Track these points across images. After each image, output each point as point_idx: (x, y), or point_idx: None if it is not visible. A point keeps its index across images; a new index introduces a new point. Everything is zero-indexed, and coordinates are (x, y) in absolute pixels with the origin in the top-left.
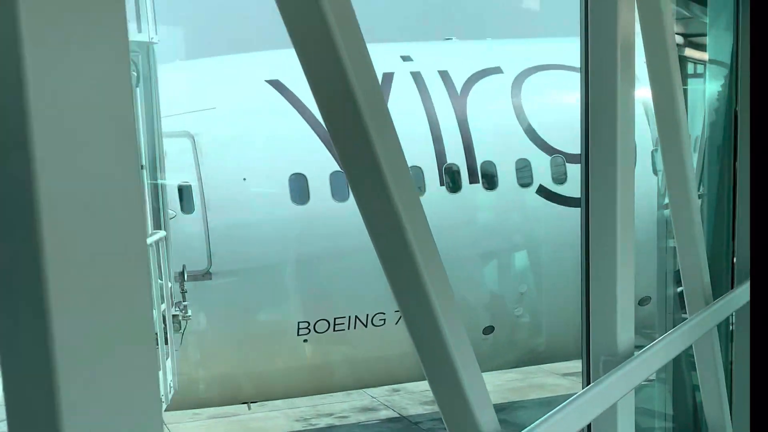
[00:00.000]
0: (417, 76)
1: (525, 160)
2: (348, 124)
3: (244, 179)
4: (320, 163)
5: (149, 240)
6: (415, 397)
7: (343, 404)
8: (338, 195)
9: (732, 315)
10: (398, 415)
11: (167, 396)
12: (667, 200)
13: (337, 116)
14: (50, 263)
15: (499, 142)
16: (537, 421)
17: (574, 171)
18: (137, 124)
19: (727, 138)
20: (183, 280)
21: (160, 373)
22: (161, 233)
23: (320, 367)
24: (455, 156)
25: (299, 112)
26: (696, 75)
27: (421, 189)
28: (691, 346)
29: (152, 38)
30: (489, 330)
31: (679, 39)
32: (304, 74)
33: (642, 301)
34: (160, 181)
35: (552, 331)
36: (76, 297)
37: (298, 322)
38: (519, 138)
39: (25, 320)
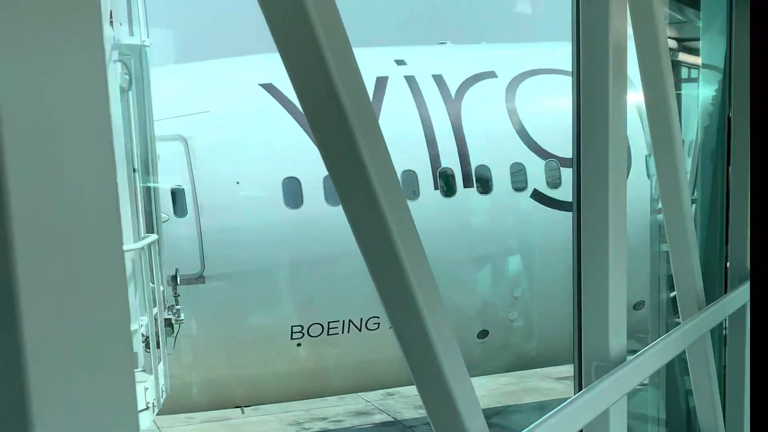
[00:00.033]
0: (411, 80)
1: (519, 164)
2: (333, 128)
3: (238, 183)
4: (314, 166)
5: (141, 244)
6: (410, 401)
7: (337, 408)
8: (332, 199)
9: (725, 320)
10: (392, 419)
11: (159, 400)
12: (660, 205)
13: (323, 120)
14: (21, 270)
15: (493, 146)
16: (527, 428)
17: (568, 175)
18: (130, 127)
19: (720, 142)
20: (176, 283)
21: (151, 377)
22: (153, 237)
23: (314, 372)
24: (450, 160)
25: (293, 116)
26: (690, 79)
27: (416, 193)
28: (684, 351)
29: (144, 41)
30: (483, 334)
31: (673, 43)
32: (289, 78)
33: (636, 306)
34: (152, 185)
35: (546, 336)
36: (48, 306)
37: (292, 326)
38: (513, 142)
39: None
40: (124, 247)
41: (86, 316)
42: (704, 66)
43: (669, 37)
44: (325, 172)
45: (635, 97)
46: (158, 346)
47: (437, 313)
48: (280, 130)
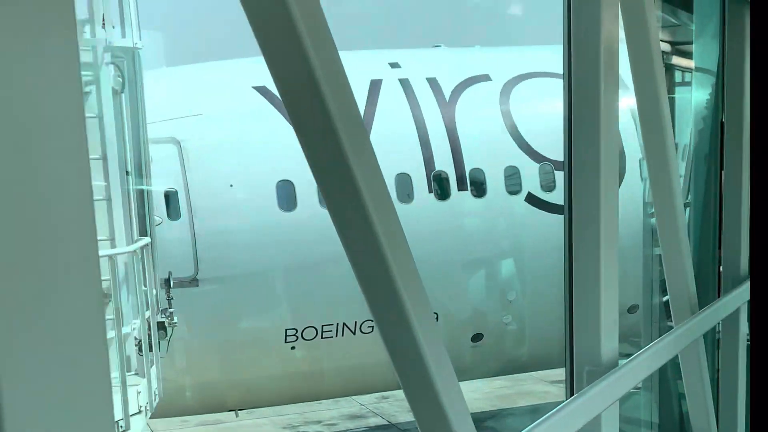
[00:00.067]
0: (405, 83)
1: (514, 167)
2: (318, 132)
3: (231, 186)
4: (307, 170)
5: (133, 247)
6: (404, 404)
7: (332, 411)
8: None
9: (718, 323)
10: (387, 423)
11: (152, 403)
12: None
13: (308, 123)
14: None
15: (487, 149)
16: None
17: (562, 178)
18: (123, 129)
19: (713, 146)
20: (169, 286)
21: (144, 380)
22: (146, 240)
23: (308, 375)
24: (444, 163)
25: (286, 119)
26: (684, 83)
27: (410, 196)
28: (677, 355)
29: (136, 43)
30: (478, 337)
31: (667, 47)
32: (273, 82)
33: (631, 309)
34: (145, 188)
35: (541, 339)
36: (17, 313)
37: (286, 330)
38: (507, 145)
39: None
40: (116, 251)
41: (57, 324)
42: (698, 69)
43: (662, 41)
44: None
45: (630, 101)
46: (150, 350)
47: (425, 317)
48: (274, 133)
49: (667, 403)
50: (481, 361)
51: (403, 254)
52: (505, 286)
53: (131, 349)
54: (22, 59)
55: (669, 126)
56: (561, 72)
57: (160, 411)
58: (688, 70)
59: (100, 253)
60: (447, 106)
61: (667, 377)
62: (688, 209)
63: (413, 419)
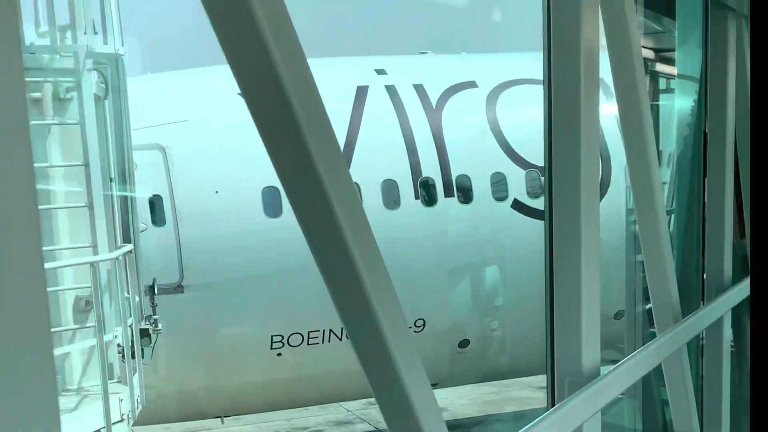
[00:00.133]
0: (392, 90)
1: (500, 173)
2: (286, 138)
3: (217, 192)
4: None
5: (116, 253)
6: None
7: (319, 418)
8: None
9: (702, 331)
10: (374, 429)
11: (134, 411)
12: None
13: (273, 128)
14: None
15: (474, 155)
16: None
17: None
18: (106, 135)
19: (697, 153)
20: (153, 293)
21: (127, 388)
22: (129, 246)
23: (295, 381)
24: (430, 170)
25: None
26: (668, 90)
27: (396, 203)
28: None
29: (118, 50)
30: (465, 344)
31: (650, 54)
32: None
33: (617, 315)
34: (129, 194)
35: (528, 345)
36: None
37: (272, 336)
38: (494, 152)
39: None
40: (98, 258)
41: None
42: (680, 76)
43: (645, 48)
44: None
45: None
46: (133, 357)
47: (397, 325)
48: (260, 140)
49: (650, 410)
50: (467, 368)
51: (374, 262)
52: (492, 292)
53: (114, 356)
54: None
55: (651, 133)
56: None
57: (144, 418)
58: (672, 76)
59: (82, 260)
60: (433, 112)
61: (651, 384)
62: (672, 217)
63: None
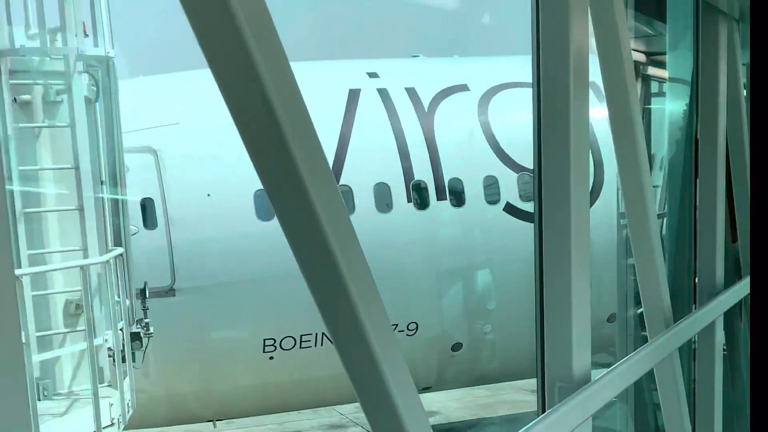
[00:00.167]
0: (384, 93)
1: (492, 177)
2: (266, 138)
3: (209, 195)
4: None
5: (106, 257)
6: None
7: (311, 421)
8: None
9: (694, 335)
10: None
11: (125, 416)
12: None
13: (255, 130)
14: None
15: (466, 159)
16: None
17: None
18: (97, 138)
19: (688, 157)
20: (144, 297)
21: (117, 392)
22: (119, 250)
23: (287, 385)
24: (423, 173)
25: None
26: (659, 93)
27: (389, 206)
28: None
29: (109, 52)
30: (457, 347)
31: (641, 57)
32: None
33: (610, 318)
34: (120, 197)
35: (521, 348)
36: None
37: (264, 339)
38: (486, 155)
39: None
40: (88, 261)
41: None
42: (672, 80)
43: (636, 51)
44: None
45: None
46: (124, 361)
47: (383, 330)
48: None
49: (642, 414)
50: (461, 371)
51: (359, 267)
52: (485, 296)
53: (104, 360)
54: None
55: (642, 136)
56: None
57: (135, 422)
58: (663, 80)
59: (73, 263)
60: (426, 115)
61: (643, 388)
62: (665, 220)
63: None
